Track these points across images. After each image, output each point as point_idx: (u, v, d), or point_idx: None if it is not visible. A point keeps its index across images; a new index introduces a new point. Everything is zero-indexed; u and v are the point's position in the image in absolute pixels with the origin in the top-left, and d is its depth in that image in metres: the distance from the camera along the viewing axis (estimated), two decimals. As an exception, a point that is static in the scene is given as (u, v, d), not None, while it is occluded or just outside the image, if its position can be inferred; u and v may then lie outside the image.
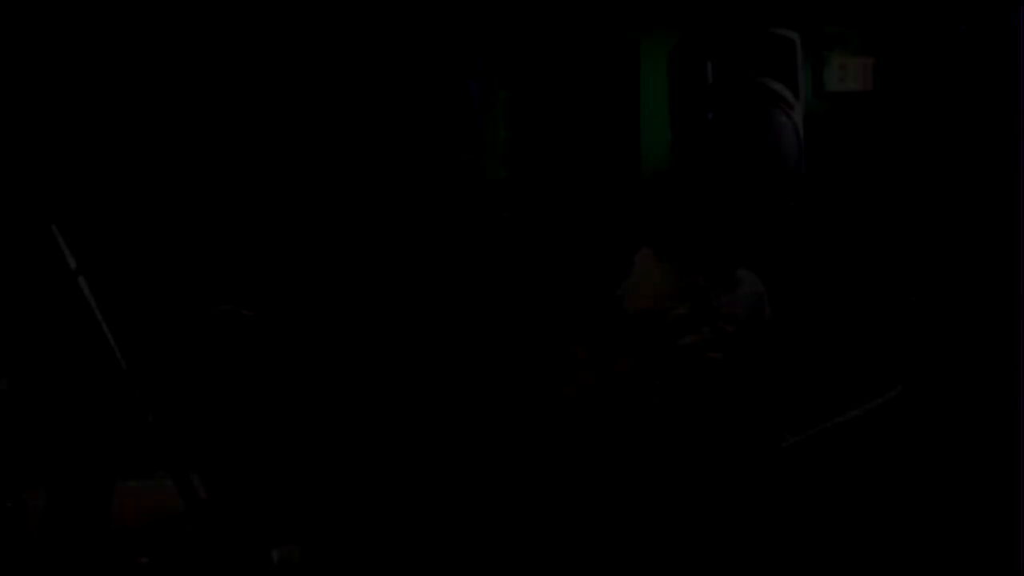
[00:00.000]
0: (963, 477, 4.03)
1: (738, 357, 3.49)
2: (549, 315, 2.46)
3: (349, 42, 4.53)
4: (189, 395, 3.47)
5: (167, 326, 3.55)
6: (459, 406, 2.05)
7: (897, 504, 3.87)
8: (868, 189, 5.19)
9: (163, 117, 4.48)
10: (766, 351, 3.53)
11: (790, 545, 3.20)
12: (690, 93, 4.41)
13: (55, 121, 3.86)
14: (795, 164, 4.29)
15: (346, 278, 2.04)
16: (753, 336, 3.56)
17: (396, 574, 1.93)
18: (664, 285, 3.54)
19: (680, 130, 4.43)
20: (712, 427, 3.30)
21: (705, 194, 3.53)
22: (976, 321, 4.78)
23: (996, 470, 3.94)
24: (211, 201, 4.54)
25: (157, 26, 4.40)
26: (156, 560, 2.57)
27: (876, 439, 3.52)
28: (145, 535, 2.67)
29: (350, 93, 4.45)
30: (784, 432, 3.25)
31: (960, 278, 4.93)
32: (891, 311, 2.97)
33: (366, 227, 2.07)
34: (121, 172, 4.32)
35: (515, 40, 5.21)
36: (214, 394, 2.02)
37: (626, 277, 3.62)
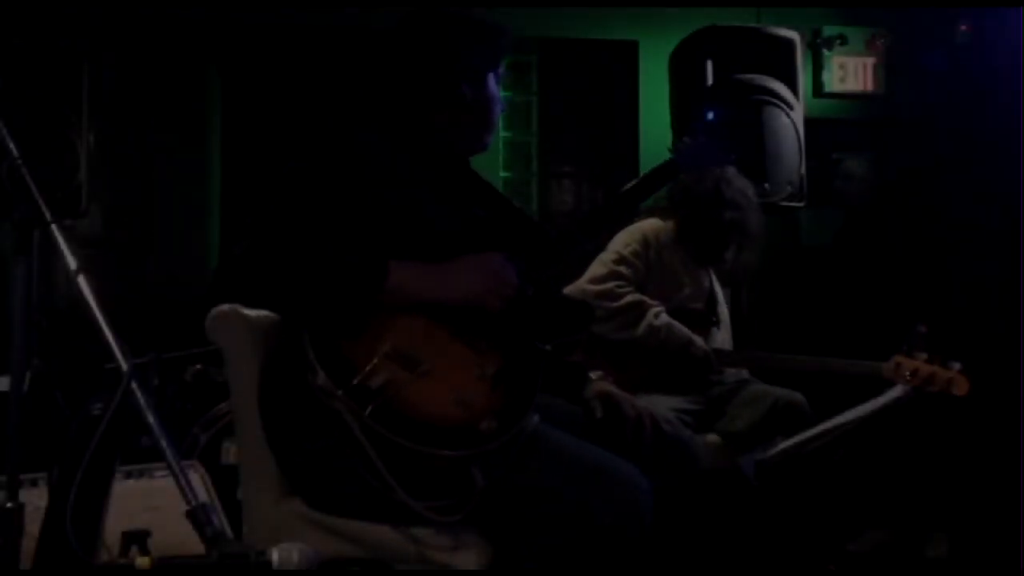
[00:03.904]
0: (963, 477, 4.03)
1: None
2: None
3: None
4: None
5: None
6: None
7: (897, 504, 3.87)
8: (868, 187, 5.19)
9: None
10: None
11: (790, 546, 3.21)
12: (690, 93, 4.42)
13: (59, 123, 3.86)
14: (795, 163, 4.29)
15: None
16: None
17: None
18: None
19: (680, 130, 4.43)
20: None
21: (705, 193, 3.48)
22: (977, 320, 4.79)
23: (997, 471, 3.94)
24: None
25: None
26: (156, 560, 2.57)
27: (876, 440, 3.52)
28: (146, 536, 2.67)
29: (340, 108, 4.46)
30: (780, 434, 3.22)
31: (960, 274, 4.94)
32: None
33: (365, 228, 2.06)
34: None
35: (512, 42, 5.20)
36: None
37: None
